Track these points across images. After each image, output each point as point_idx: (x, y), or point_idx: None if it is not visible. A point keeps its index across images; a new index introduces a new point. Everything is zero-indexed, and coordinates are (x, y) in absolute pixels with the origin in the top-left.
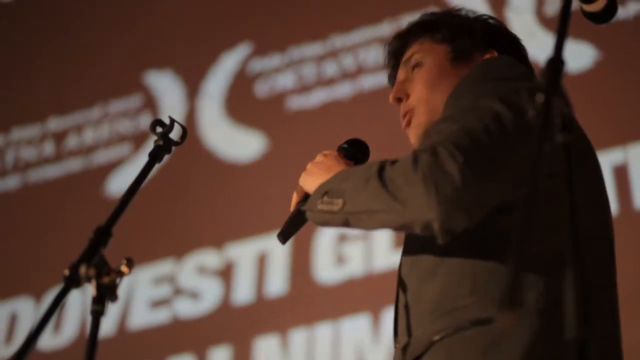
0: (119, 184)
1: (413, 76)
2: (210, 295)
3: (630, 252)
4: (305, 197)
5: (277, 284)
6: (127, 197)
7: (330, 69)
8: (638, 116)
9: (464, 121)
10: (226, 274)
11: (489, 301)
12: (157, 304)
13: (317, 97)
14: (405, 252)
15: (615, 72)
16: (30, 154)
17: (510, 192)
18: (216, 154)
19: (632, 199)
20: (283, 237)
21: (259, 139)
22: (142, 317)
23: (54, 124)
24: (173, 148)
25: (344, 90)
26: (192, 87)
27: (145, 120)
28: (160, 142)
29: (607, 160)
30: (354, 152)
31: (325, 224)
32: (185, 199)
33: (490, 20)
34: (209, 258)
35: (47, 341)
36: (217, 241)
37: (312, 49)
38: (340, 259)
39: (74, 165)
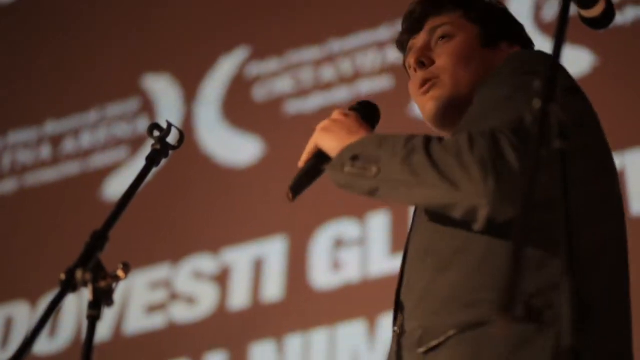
0: (115, 187)
1: (438, 46)
2: (206, 300)
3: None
4: (319, 154)
5: (273, 289)
6: (123, 201)
7: (328, 73)
8: (636, 122)
9: (515, 109)
10: (222, 279)
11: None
12: (153, 308)
13: (314, 102)
14: (417, 239)
15: (613, 77)
16: (27, 158)
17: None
18: (213, 158)
19: (629, 206)
20: (293, 192)
21: (256, 143)
22: (138, 321)
23: (51, 127)
24: (170, 152)
25: (341, 94)
26: (190, 91)
27: (142, 124)
28: (158, 147)
29: None
30: (368, 114)
31: (349, 187)
32: (182, 203)
33: (511, 15)
34: (205, 263)
35: (43, 346)
36: (214, 246)
37: (310, 53)
38: (336, 265)
39: (71, 168)
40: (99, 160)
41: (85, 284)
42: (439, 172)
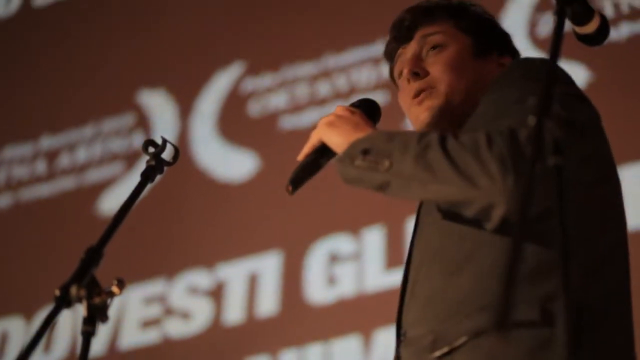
0: (111, 203)
1: (430, 56)
2: (201, 315)
3: None
4: (321, 148)
5: (268, 304)
6: (118, 217)
7: (323, 88)
8: (630, 137)
9: (526, 113)
10: (217, 294)
11: (529, 302)
12: (148, 323)
13: (310, 117)
14: (423, 243)
15: (608, 93)
16: (22, 173)
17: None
18: (208, 173)
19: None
20: (293, 185)
21: (251, 158)
22: (132, 337)
23: (47, 142)
24: (165, 168)
25: None
26: (185, 106)
27: (137, 139)
28: (153, 163)
29: None
30: (368, 111)
31: (359, 181)
32: (177, 218)
33: (499, 25)
34: (200, 278)
35: None
36: (208, 261)
37: (305, 68)
38: (331, 280)
39: (66, 183)
40: (95, 176)
41: (79, 300)
42: (456, 168)
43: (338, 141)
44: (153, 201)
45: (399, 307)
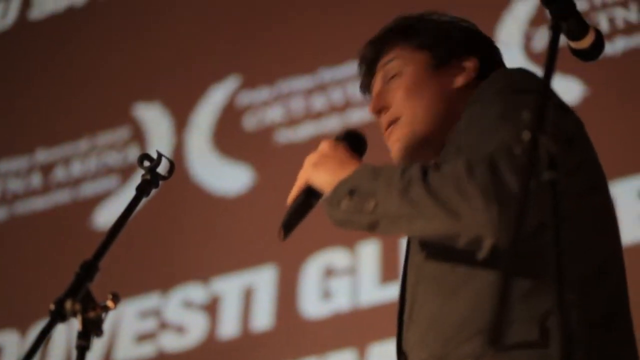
0: (106, 216)
1: (391, 85)
2: (196, 329)
3: None
4: (309, 189)
5: (263, 318)
6: (113, 231)
7: (319, 102)
8: (625, 152)
9: (511, 130)
10: (212, 308)
11: (526, 322)
12: (143, 337)
13: (305, 131)
14: (417, 264)
15: (603, 107)
16: (17, 186)
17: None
18: (204, 187)
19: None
20: (285, 231)
21: (246, 172)
22: (127, 351)
23: (42, 155)
24: (160, 182)
25: (332, 124)
26: (181, 120)
27: (133, 153)
28: (148, 177)
29: None
30: (355, 143)
31: (347, 224)
32: (172, 232)
33: (463, 24)
34: (195, 292)
35: None
36: (203, 275)
37: (301, 82)
38: (326, 294)
39: (61, 197)
40: (90, 189)
41: (74, 314)
42: (439, 203)
43: (324, 181)
44: (148, 215)
45: (398, 327)
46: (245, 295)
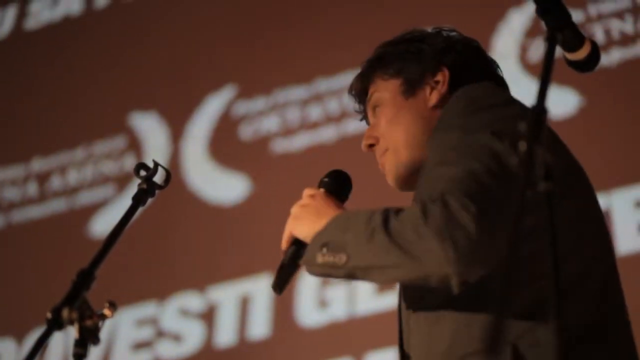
0: (102, 225)
1: (376, 118)
2: (192, 337)
3: None
4: (296, 242)
5: (260, 327)
6: (110, 240)
7: (315, 112)
8: (621, 162)
9: (464, 164)
10: (209, 316)
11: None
12: (139, 346)
13: (301, 141)
14: (406, 292)
15: (599, 118)
16: (13, 195)
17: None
18: (200, 196)
19: (616, 245)
20: (278, 288)
21: (243, 181)
22: (124, 359)
23: (38, 164)
24: (157, 191)
25: (328, 133)
26: (177, 129)
27: (129, 162)
28: (144, 186)
29: None
30: (337, 185)
31: (327, 276)
32: (169, 241)
33: (440, 34)
34: (192, 300)
35: None
36: (200, 284)
37: (297, 92)
38: (323, 303)
39: (57, 206)
40: (86, 198)
41: (71, 323)
42: (401, 249)
43: (305, 233)
44: (145, 224)
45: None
46: (242, 303)
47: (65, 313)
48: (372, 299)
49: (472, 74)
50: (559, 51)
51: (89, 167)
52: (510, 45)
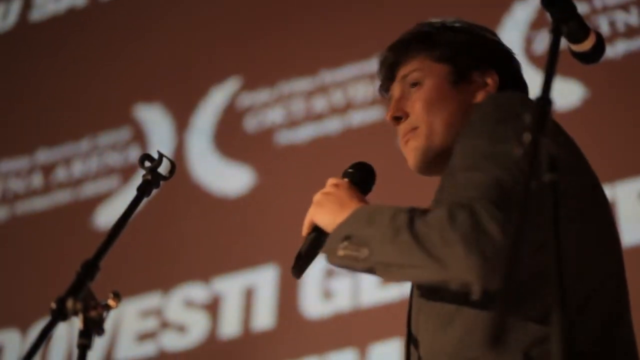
0: (107, 216)
1: (411, 95)
2: (196, 329)
3: None
4: (316, 229)
5: (264, 318)
6: (114, 231)
7: (320, 104)
8: (626, 154)
9: (493, 172)
10: (213, 307)
11: (509, 354)
12: (144, 337)
13: (306, 132)
14: (417, 296)
15: (603, 110)
16: (18, 186)
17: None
18: (204, 188)
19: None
20: (297, 272)
21: (247, 173)
22: (128, 350)
23: (43, 156)
24: (161, 182)
25: (333, 125)
26: (182, 121)
27: (134, 153)
28: (149, 177)
29: None
30: (361, 177)
31: (347, 268)
32: (173, 232)
33: (487, 35)
34: (196, 292)
35: None
36: (205, 275)
37: (302, 84)
38: (327, 294)
39: (62, 197)
40: (91, 189)
41: (76, 313)
42: (426, 251)
43: (326, 222)
44: (149, 215)
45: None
46: (246, 295)
47: (69, 304)
48: (376, 291)
49: (512, 83)
50: (563, 43)
51: (93, 159)
52: (516, 38)
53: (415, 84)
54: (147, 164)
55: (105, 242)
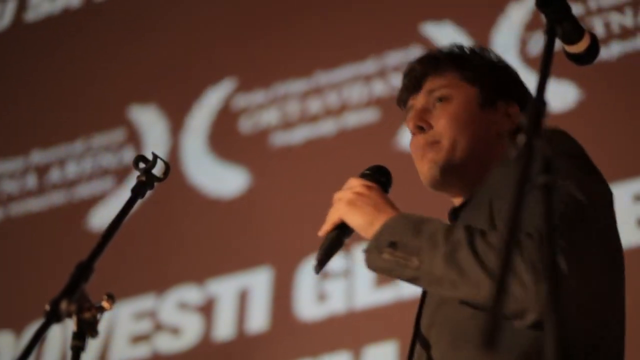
0: (101, 218)
1: (436, 108)
2: (191, 331)
3: None
4: (341, 227)
5: (258, 320)
6: (108, 232)
7: (315, 105)
8: (620, 156)
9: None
10: (207, 310)
11: None
12: (138, 339)
13: (301, 134)
14: (432, 310)
15: (598, 112)
16: (12, 187)
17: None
18: (199, 189)
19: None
20: (319, 266)
21: (242, 174)
22: (122, 352)
23: (37, 157)
24: (156, 184)
25: (327, 127)
26: (176, 122)
27: (128, 155)
28: (143, 178)
29: None
30: (383, 182)
31: (387, 273)
32: (167, 234)
33: (511, 68)
34: (190, 294)
35: None
36: (199, 277)
37: (296, 85)
38: (321, 296)
39: (56, 198)
40: (85, 191)
41: (69, 315)
42: (487, 273)
43: (359, 223)
44: (143, 217)
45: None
46: (241, 297)
47: (63, 305)
48: (370, 293)
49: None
50: (558, 44)
51: (88, 160)
52: (510, 39)
53: (442, 99)
54: (142, 165)
55: (99, 244)
